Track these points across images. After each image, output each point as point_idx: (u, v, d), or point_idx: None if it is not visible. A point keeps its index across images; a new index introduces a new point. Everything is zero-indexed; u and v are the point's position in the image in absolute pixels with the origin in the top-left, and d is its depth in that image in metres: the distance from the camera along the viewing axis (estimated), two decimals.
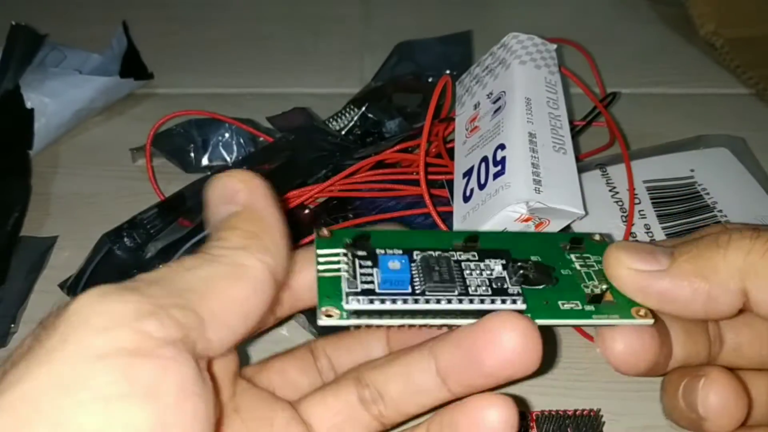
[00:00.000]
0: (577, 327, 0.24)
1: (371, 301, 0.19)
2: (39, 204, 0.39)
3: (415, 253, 0.21)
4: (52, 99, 0.42)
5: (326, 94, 0.46)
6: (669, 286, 0.20)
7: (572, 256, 0.22)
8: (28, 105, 0.41)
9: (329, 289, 0.19)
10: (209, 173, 0.39)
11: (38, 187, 0.39)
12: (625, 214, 0.34)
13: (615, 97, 0.41)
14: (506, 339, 0.19)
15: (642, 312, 0.20)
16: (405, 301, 0.19)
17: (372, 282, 0.19)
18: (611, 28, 0.53)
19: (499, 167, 0.31)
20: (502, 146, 0.32)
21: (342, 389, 0.22)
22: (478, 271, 0.20)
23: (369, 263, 0.20)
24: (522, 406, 0.28)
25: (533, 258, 0.22)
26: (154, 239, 0.34)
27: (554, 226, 0.31)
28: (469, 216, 0.31)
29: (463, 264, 0.21)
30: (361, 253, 0.20)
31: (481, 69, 0.37)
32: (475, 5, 0.56)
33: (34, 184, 0.40)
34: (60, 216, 0.38)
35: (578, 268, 0.22)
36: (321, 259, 0.20)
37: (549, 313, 0.20)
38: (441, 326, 0.20)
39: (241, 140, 0.40)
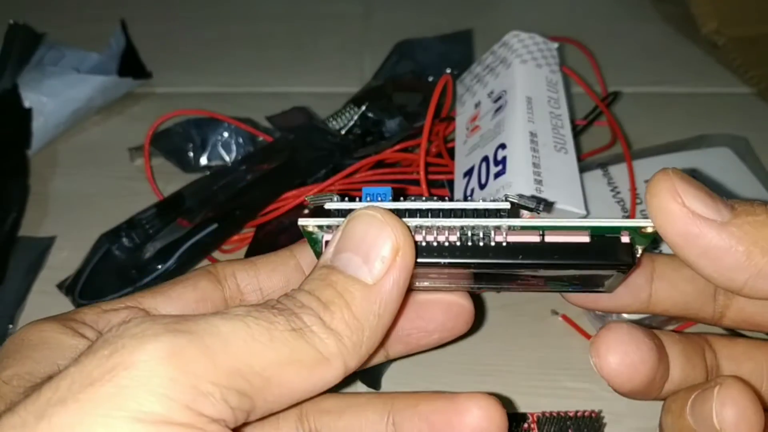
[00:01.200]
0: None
1: (352, 201, 0.19)
2: (37, 204, 0.38)
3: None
4: (51, 98, 0.41)
5: (326, 93, 0.46)
6: (721, 244, 0.17)
7: None
8: (26, 104, 0.41)
9: (317, 199, 0.19)
10: (208, 172, 0.39)
11: (36, 187, 0.39)
12: (626, 214, 0.33)
13: (616, 97, 0.41)
14: (473, 417, 0.19)
15: (650, 229, 0.18)
16: (385, 199, 0.19)
17: (356, 200, 0.19)
18: (613, 27, 0.53)
19: (499, 167, 0.31)
20: (503, 146, 0.31)
21: (282, 424, 0.21)
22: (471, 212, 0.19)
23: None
24: (523, 407, 0.28)
25: None
26: (153, 239, 0.33)
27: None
28: None
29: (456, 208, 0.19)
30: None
31: (481, 68, 0.37)
32: (476, 4, 0.56)
33: (32, 183, 0.39)
34: (58, 216, 0.38)
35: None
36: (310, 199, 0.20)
37: (537, 225, 0.19)
38: (423, 228, 0.19)
39: (240, 140, 0.40)
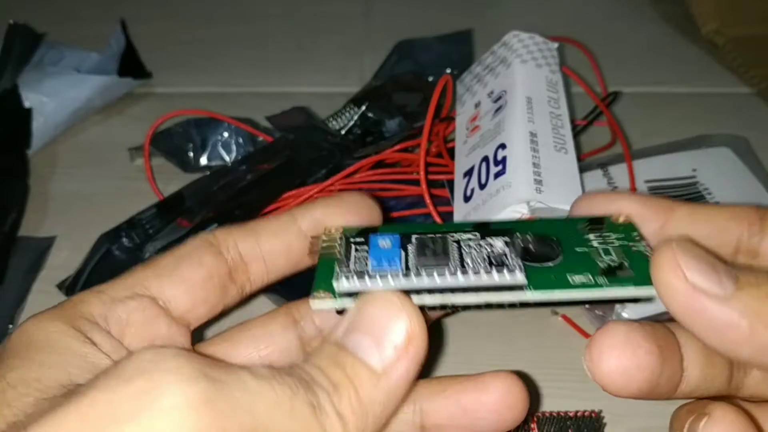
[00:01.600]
0: (587, 304, 0.22)
1: (362, 280, 0.19)
2: (37, 204, 0.38)
3: (413, 237, 0.20)
4: (51, 98, 0.41)
5: (326, 93, 0.46)
6: (724, 318, 0.17)
7: (590, 236, 0.20)
8: (27, 104, 0.41)
9: (325, 274, 0.19)
10: (208, 172, 0.39)
11: (36, 187, 0.39)
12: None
13: (616, 97, 0.41)
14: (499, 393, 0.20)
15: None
16: (396, 278, 0.18)
17: (365, 263, 0.19)
18: (613, 27, 0.53)
19: (499, 167, 0.31)
20: (502, 146, 0.31)
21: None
22: (477, 250, 0.19)
23: (365, 247, 0.20)
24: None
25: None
26: (153, 239, 0.33)
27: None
28: (470, 216, 0.31)
29: (462, 243, 0.20)
30: (358, 239, 0.20)
31: (481, 68, 0.37)
32: (476, 4, 0.56)
33: (32, 183, 0.39)
34: (58, 216, 0.38)
35: (596, 245, 0.20)
36: (323, 244, 0.21)
37: (555, 284, 0.19)
38: (438, 307, 0.19)
39: (240, 140, 0.40)
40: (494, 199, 0.30)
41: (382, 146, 0.37)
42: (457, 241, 0.20)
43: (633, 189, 0.34)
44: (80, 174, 0.41)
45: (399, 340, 0.17)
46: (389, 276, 0.19)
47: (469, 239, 0.20)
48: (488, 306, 0.19)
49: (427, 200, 0.32)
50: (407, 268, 0.19)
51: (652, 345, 0.19)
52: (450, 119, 0.38)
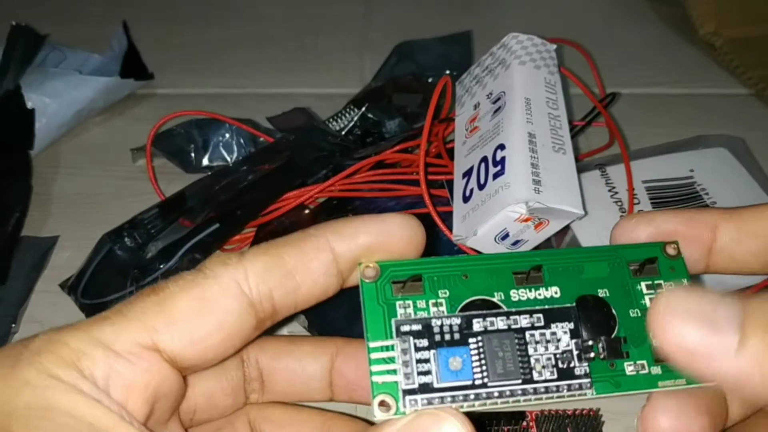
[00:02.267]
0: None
1: (429, 402, 0.18)
2: (40, 204, 0.39)
3: (475, 322, 0.19)
4: (53, 99, 0.42)
5: (326, 94, 0.46)
6: (735, 372, 0.15)
7: (643, 285, 0.20)
8: (29, 105, 0.41)
9: (382, 371, 0.18)
10: (209, 173, 0.39)
11: (39, 188, 0.40)
12: (624, 215, 0.34)
13: (614, 98, 0.41)
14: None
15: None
16: (466, 398, 0.18)
17: (429, 372, 0.18)
18: (611, 29, 0.53)
19: (498, 167, 0.31)
20: (501, 146, 0.32)
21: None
22: (543, 345, 0.19)
23: (425, 343, 0.18)
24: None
25: (600, 293, 0.20)
26: (155, 239, 0.34)
27: (554, 226, 0.31)
28: (469, 216, 0.31)
29: (527, 334, 0.19)
30: (415, 327, 0.19)
31: (480, 69, 0.37)
32: (475, 5, 0.56)
33: (35, 184, 0.40)
34: (61, 216, 0.38)
35: (647, 304, 0.20)
36: (373, 355, 0.18)
37: (615, 383, 0.19)
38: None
39: (242, 140, 0.40)
40: (493, 200, 0.30)
41: (381, 147, 0.37)
42: (522, 333, 0.19)
43: (630, 189, 0.34)
44: (83, 174, 0.41)
45: None
46: (458, 394, 0.18)
47: (534, 327, 0.19)
48: None
49: (427, 200, 0.33)
50: (474, 381, 0.18)
51: (703, 416, 0.19)
52: (449, 120, 0.38)
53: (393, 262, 0.19)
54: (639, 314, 0.20)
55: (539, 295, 0.20)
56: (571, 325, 0.19)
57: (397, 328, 0.18)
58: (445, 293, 0.19)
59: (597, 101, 0.39)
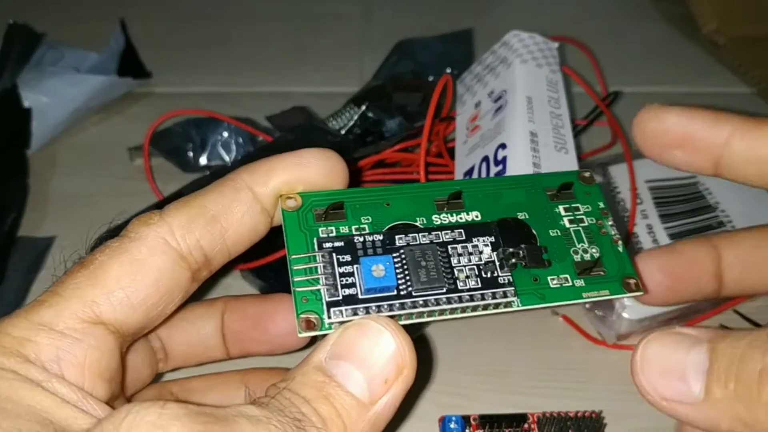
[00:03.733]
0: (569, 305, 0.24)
1: (355, 312, 0.18)
2: (36, 204, 0.38)
3: (397, 238, 0.19)
4: (50, 98, 0.41)
5: (326, 92, 0.46)
6: (702, 417, 0.17)
7: (561, 208, 0.21)
8: (26, 104, 0.41)
9: (309, 295, 0.18)
10: (207, 172, 0.39)
11: (36, 187, 0.39)
12: (627, 214, 0.33)
13: (617, 96, 0.41)
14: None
15: (632, 284, 0.20)
16: (391, 307, 0.18)
17: (353, 285, 0.18)
18: (613, 27, 0.53)
19: (500, 167, 0.31)
20: (503, 146, 0.31)
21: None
22: (466, 257, 0.20)
23: (348, 257, 0.19)
24: (523, 407, 0.28)
25: (519, 215, 0.21)
26: None
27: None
28: None
29: (449, 248, 0.20)
30: (338, 244, 0.19)
31: (482, 67, 0.37)
32: (476, 3, 0.56)
33: (32, 183, 0.39)
34: (58, 216, 0.38)
35: (567, 225, 0.21)
36: (295, 267, 0.18)
37: (539, 295, 0.20)
38: (429, 322, 0.20)
39: (240, 139, 0.40)
40: None
41: (382, 146, 0.37)
42: (445, 247, 0.20)
43: (633, 189, 0.34)
44: (80, 174, 0.41)
45: (389, 373, 0.17)
46: (383, 305, 0.18)
47: (455, 241, 0.20)
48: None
49: None
50: (399, 292, 0.19)
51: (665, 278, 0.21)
52: (450, 119, 0.38)
53: (314, 192, 0.20)
54: (558, 233, 0.21)
55: (460, 218, 0.20)
56: (492, 239, 0.20)
57: (320, 245, 0.19)
58: (368, 219, 0.20)
59: (599, 100, 0.39)
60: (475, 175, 0.32)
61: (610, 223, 0.21)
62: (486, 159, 0.32)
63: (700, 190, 0.35)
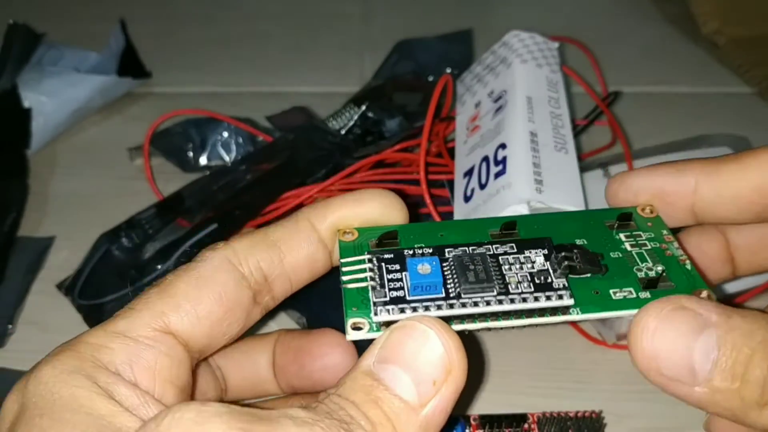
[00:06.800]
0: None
1: (402, 311, 0.18)
2: (36, 204, 0.38)
3: (447, 250, 0.19)
4: (50, 98, 0.41)
5: (326, 92, 0.46)
6: (694, 400, 0.17)
7: (621, 236, 0.20)
8: (26, 104, 0.41)
9: (356, 298, 0.18)
10: (207, 172, 0.39)
11: (36, 187, 0.39)
12: None
13: (617, 96, 0.41)
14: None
15: (705, 294, 0.19)
16: (439, 307, 0.18)
17: (401, 288, 0.18)
18: (613, 27, 0.53)
19: (500, 167, 0.31)
20: (503, 146, 0.31)
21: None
22: (517, 266, 0.19)
23: (397, 266, 0.19)
24: (523, 407, 0.28)
25: (578, 242, 0.20)
26: (153, 239, 0.33)
27: None
28: (470, 216, 0.31)
29: (500, 258, 0.19)
30: (387, 256, 0.19)
31: (482, 67, 0.37)
32: (476, 3, 0.56)
33: (32, 183, 0.39)
34: (57, 216, 0.38)
35: (629, 249, 0.20)
36: (345, 269, 0.19)
37: (600, 304, 0.19)
38: (482, 330, 0.19)
39: (240, 139, 0.40)
40: (494, 199, 0.30)
41: (382, 146, 0.37)
42: (496, 258, 0.19)
43: None
44: (80, 174, 0.41)
45: (437, 374, 0.16)
46: (431, 305, 0.18)
47: (507, 253, 0.19)
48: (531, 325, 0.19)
49: (427, 200, 0.32)
50: (448, 293, 0.18)
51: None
52: (450, 119, 0.38)
53: (372, 228, 0.20)
54: (620, 255, 0.20)
55: None
56: (545, 251, 0.19)
57: (370, 253, 0.19)
58: (421, 246, 0.20)
59: (599, 100, 0.39)
60: (475, 176, 0.32)
61: (675, 245, 0.20)
62: (486, 159, 0.32)
63: None
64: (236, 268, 0.19)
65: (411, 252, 0.19)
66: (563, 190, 0.30)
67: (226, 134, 0.40)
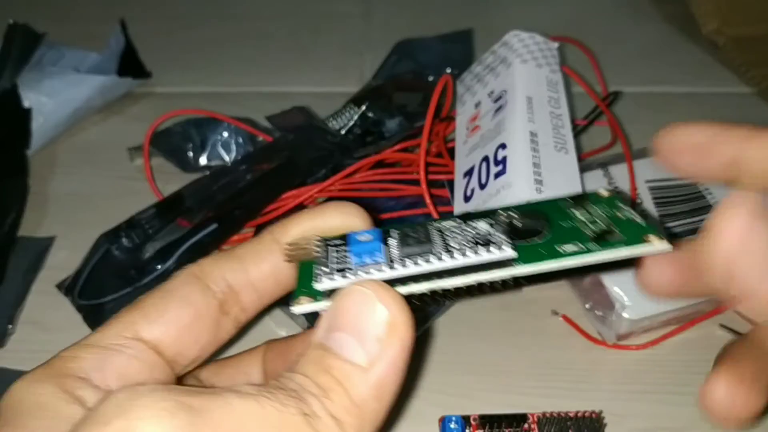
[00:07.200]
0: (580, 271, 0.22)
1: (344, 277, 0.18)
2: (36, 204, 0.38)
3: (391, 230, 0.19)
4: (50, 98, 0.41)
5: (326, 93, 0.46)
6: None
7: (575, 211, 0.20)
8: (26, 104, 0.41)
9: (305, 277, 0.19)
10: (207, 172, 0.39)
11: (36, 187, 0.39)
12: None
13: (617, 96, 0.41)
14: None
15: (653, 237, 0.18)
16: (381, 270, 0.18)
17: (345, 260, 0.18)
18: (613, 27, 0.53)
19: (500, 167, 0.31)
20: (503, 146, 0.31)
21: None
22: (461, 233, 0.19)
23: (341, 242, 0.19)
24: (523, 407, 0.28)
25: None
26: (153, 239, 0.33)
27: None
28: None
29: (444, 230, 0.19)
30: (335, 241, 0.19)
31: (482, 67, 0.37)
32: (477, 3, 0.56)
33: (32, 183, 0.39)
34: (58, 216, 0.38)
35: (581, 218, 0.20)
36: (300, 250, 0.20)
37: (545, 256, 0.18)
38: (427, 294, 0.18)
39: (240, 139, 0.40)
40: (494, 199, 0.30)
41: (382, 146, 0.37)
42: (440, 230, 0.19)
43: (633, 189, 0.34)
44: (80, 174, 0.41)
45: (381, 332, 0.17)
46: (372, 269, 0.18)
47: (452, 226, 0.19)
48: (480, 290, 0.18)
49: (427, 200, 0.32)
50: (390, 259, 0.18)
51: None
52: (450, 119, 0.38)
53: (334, 235, 0.20)
54: (572, 224, 0.19)
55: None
56: (491, 220, 0.19)
57: (318, 239, 0.20)
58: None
59: (599, 100, 0.39)
60: (475, 176, 0.32)
61: (629, 210, 0.20)
62: (486, 159, 0.32)
63: (700, 190, 0.35)
64: (200, 279, 0.20)
65: (356, 235, 0.20)
66: (563, 190, 0.30)
67: (226, 134, 0.40)
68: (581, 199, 0.21)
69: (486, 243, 0.18)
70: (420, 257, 0.18)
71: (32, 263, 0.35)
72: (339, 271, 0.18)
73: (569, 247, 0.18)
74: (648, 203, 0.34)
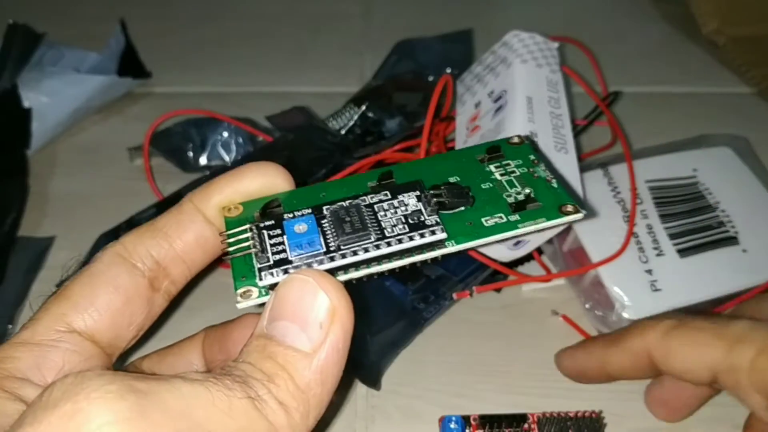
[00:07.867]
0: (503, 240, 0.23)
1: (285, 272, 0.18)
2: (36, 204, 0.38)
3: (324, 208, 0.20)
4: (50, 98, 0.41)
5: (326, 92, 0.46)
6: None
7: (491, 167, 0.21)
8: (26, 104, 0.41)
9: (243, 268, 0.19)
10: (207, 173, 0.39)
11: (36, 187, 0.39)
12: (627, 214, 0.33)
13: (617, 96, 0.41)
14: None
15: (570, 208, 0.20)
16: (321, 262, 0.18)
17: (284, 251, 0.19)
18: (613, 27, 0.53)
19: None
20: None
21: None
22: (392, 211, 0.20)
23: (278, 231, 0.19)
24: (523, 407, 0.28)
25: (451, 180, 0.21)
26: None
27: (555, 228, 0.30)
28: None
29: (376, 207, 0.20)
30: (267, 223, 0.20)
31: (482, 67, 0.37)
32: (477, 3, 0.56)
33: (32, 183, 0.39)
34: (57, 216, 0.38)
35: (498, 177, 0.21)
36: (228, 240, 0.20)
37: (473, 233, 0.19)
38: (367, 277, 0.19)
39: (240, 139, 0.40)
40: None
41: (382, 146, 0.37)
42: (371, 207, 0.20)
43: (633, 189, 0.34)
44: (79, 174, 0.41)
45: (323, 317, 0.17)
46: (312, 261, 0.18)
47: (381, 201, 0.20)
48: (411, 268, 0.19)
49: None
50: (328, 247, 0.19)
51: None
52: (450, 119, 0.38)
53: (256, 200, 0.21)
54: (491, 186, 0.21)
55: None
56: (417, 192, 0.20)
57: (251, 223, 0.20)
58: (300, 209, 0.20)
59: (599, 100, 0.39)
60: None
61: (542, 168, 0.21)
62: None
63: (700, 189, 0.35)
64: (126, 260, 0.20)
65: (290, 215, 0.20)
66: None
67: (226, 134, 0.40)
68: (495, 151, 0.22)
69: (418, 225, 0.19)
70: (357, 245, 0.19)
71: (32, 263, 0.35)
72: (278, 263, 0.18)
73: (493, 221, 0.20)
74: (648, 203, 0.34)
